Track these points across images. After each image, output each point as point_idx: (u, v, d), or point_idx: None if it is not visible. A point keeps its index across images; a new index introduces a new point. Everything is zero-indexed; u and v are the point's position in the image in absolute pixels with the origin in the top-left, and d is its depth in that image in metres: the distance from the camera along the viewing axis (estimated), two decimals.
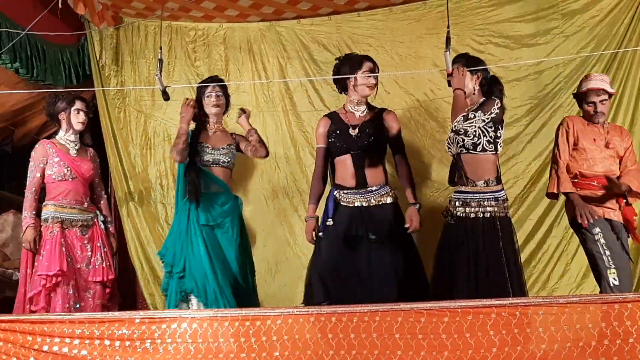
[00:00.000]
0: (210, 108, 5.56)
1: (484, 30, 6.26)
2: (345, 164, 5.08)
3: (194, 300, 5.22)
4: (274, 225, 6.47)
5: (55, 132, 5.79)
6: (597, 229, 4.80)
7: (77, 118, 5.54)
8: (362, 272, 4.86)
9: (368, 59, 5.18)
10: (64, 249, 5.32)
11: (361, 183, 5.03)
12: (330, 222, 4.96)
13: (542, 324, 3.88)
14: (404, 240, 4.98)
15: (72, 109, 5.54)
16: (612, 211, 4.92)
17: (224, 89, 5.66)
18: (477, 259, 4.69)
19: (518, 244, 5.03)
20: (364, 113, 5.17)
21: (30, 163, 5.50)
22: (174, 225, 5.50)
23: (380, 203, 5.01)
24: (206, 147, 5.48)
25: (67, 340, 4.18)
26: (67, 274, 5.29)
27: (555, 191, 5.03)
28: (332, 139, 5.13)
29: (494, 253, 4.66)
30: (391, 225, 4.97)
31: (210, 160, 5.47)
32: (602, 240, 4.78)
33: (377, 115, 5.16)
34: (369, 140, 5.03)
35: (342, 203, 5.03)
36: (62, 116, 5.57)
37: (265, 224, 6.47)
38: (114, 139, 6.72)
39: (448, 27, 4.74)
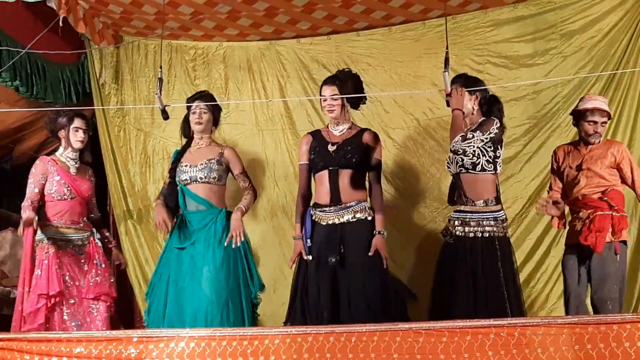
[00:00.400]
0: (193, 124, 5.51)
1: (482, 50, 6.28)
2: (322, 181, 5.08)
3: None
4: (273, 243, 6.45)
5: (56, 149, 5.79)
6: None
7: (76, 136, 5.55)
8: (332, 293, 4.86)
9: (326, 82, 5.21)
10: (59, 269, 5.31)
11: (335, 200, 5.02)
12: (308, 242, 4.98)
13: (540, 345, 3.86)
14: (376, 259, 4.94)
15: (71, 127, 5.55)
16: None
17: (213, 105, 5.58)
18: (475, 279, 4.69)
19: (517, 264, 5.03)
20: (344, 132, 5.17)
21: (30, 179, 5.49)
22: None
23: (355, 219, 4.99)
24: (184, 166, 5.43)
25: (65, 359, 4.18)
26: (64, 294, 5.28)
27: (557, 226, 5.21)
28: (312, 155, 5.15)
29: (492, 273, 4.66)
30: (365, 243, 4.93)
31: (187, 178, 5.40)
32: None
33: (358, 134, 5.15)
34: (346, 157, 5.02)
35: (318, 221, 5.03)
36: (62, 133, 5.59)
37: (263, 243, 6.46)
38: (113, 156, 6.73)
39: (447, 47, 4.76)
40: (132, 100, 6.75)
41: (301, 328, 4.16)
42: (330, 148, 5.09)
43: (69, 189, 5.46)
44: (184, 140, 5.64)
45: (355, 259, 4.89)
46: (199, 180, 5.38)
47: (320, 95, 5.19)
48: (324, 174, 5.06)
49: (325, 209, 5.02)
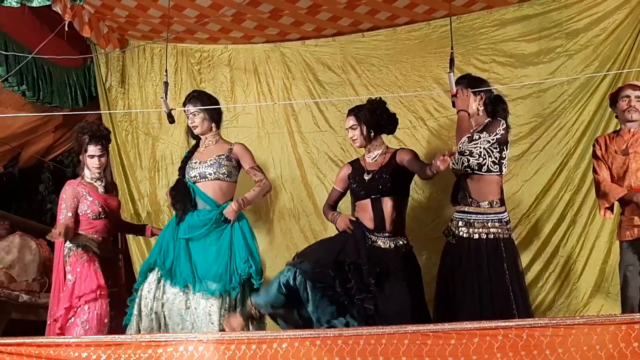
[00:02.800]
0: (192, 128, 5.48)
1: (487, 50, 6.27)
2: (365, 208, 5.10)
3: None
4: (280, 246, 6.46)
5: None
6: None
7: (92, 163, 5.47)
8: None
9: (349, 113, 5.28)
10: (98, 269, 5.32)
11: (379, 227, 5.04)
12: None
13: (548, 346, 3.85)
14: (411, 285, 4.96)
15: (86, 155, 5.48)
16: None
17: (203, 105, 5.45)
18: (481, 281, 4.66)
19: (522, 265, 5.01)
20: (377, 158, 5.19)
21: (62, 205, 5.40)
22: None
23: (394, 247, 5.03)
24: (194, 162, 5.39)
25: None
26: (104, 291, 5.28)
27: (607, 205, 4.99)
28: (353, 185, 5.20)
29: (498, 275, 4.63)
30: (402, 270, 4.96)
31: (197, 175, 5.34)
32: None
33: (392, 157, 5.15)
34: (385, 185, 5.04)
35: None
36: (82, 157, 5.55)
37: (271, 246, 6.47)
38: (120, 160, 6.76)
39: (452, 48, 4.75)
40: (140, 104, 6.78)
41: (309, 331, 4.16)
42: (366, 177, 5.12)
43: (102, 207, 5.45)
44: (192, 143, 5.63)
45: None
46: (208, 177, 5.32)
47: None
48: (367, 202, 5.10)
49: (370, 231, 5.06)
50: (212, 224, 5.22)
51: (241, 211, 5.32)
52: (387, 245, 5.01)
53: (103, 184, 5.57)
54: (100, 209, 5.43)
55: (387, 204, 5.04)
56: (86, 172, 5.53)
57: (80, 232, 5.38)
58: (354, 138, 5.21)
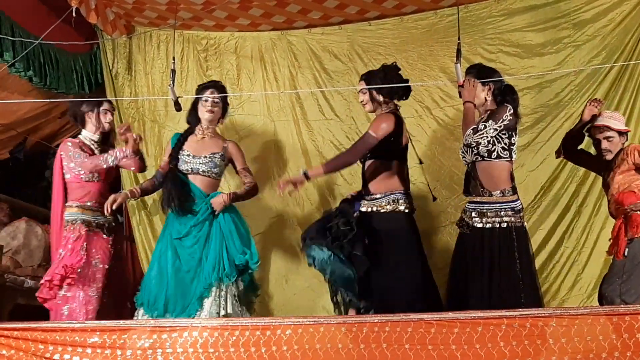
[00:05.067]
0: (203, 113, 5.41)
1: (494, 40, 6.25)
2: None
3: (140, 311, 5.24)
4: (284, 234, 6.47)
5: (73, 136, 5.80)
6: None
7: (105, 118, 5.56)
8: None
9: (361, 78, 5.33)
10: (84, 252, 5.31)
11: (366, 191, 5.12)
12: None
13: (552, 336, 3.87)
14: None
15: (101, 108, 5.56)
16: None
17: (224, 98, 5.55)
18: (492, 269, 4.67)
19: (533, 253, 5.01)
20: None
21: (75, 158, 5.43)
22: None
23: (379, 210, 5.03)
24: (186, 155, 5.38)
25: (79, 349, 4.21)
26: (85, 276, 5.29)
27: None
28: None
29: (509, 263, 4.64)
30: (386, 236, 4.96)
31: (189, 169, 5.36)
32: None
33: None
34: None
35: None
36: (89, 115, 5.57)
37: (275, 233, 6.47)
38: None
39: (459, 38, 4.75)
40: (146, 91, 6.76)
41: (313, 318, 4.18)
42: None
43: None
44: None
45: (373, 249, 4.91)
46: (200, 173, 5.36)
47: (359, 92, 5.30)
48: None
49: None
50: (202, 215, 5.25)
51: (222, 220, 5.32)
52: (370, 209, 5.03)
53: (99, 148, 5.61)
54: (95, 172, 5.45)
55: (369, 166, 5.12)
56: (84, 132, 5.60)
57: (73, 203, 5.42)
58: (363, 102, 5.24)
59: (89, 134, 5.58)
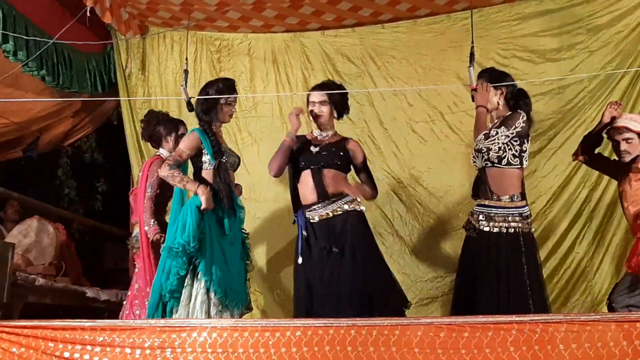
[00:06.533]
0: (226, 117, 5.13)
1: (508, 44, 6.25)
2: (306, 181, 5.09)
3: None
4: (291, 235, 6.45)
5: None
6: None
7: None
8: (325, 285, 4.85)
9: (315, 88, 5.27)
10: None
11: (322, 196, 5.02)
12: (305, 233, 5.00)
13: (563, 341, 3.84)
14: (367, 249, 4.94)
15: (179, 133, 5.57)
16: None
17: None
18: (499, 274, 4.66)
19: (540, 260, 5.00)
20: (329, 137, 5.21)
21: (151, 179, 5.42)
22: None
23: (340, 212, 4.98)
24: (223, 148, 5.10)
25: (89, 347, 4.21)
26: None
27: None
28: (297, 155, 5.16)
29: (516, 269, 4.62)
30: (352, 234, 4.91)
31: (230, 162, 5.08)
32: None
33: (342, 139, 5.21)
34: (331, 158, 5.07)
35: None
36: (167, 139, 5.60)
37: (283, 234, 6.45)
38: (138, 147, 6.77)
39: (472, 42, 4.74)
40: (159, 91, 6.78)
41: (322, 320, 4.16)
42: (313, 149, 5.10)
43: None
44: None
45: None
46: (235, 166, 5.16)
47: (308, 101, 5.19)
48: (308, 174, 5.07)
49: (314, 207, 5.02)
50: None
51: None
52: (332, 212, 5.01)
53: None
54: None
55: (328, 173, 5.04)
56: (164, 152, 5.57)
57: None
58: (321, 114, 5.14)
59: (166, 153, 5.57)
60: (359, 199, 5.02)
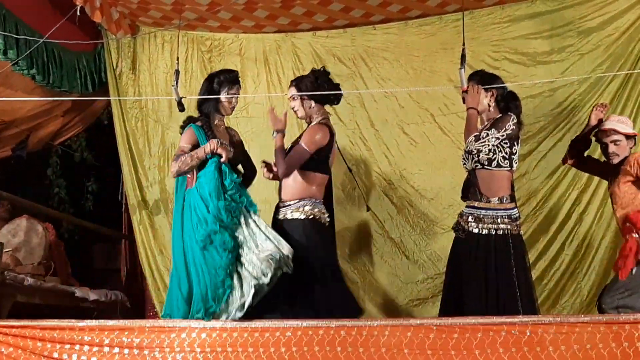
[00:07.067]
0: (228, 109, 5.08)
1: (499, 47, 6.26)
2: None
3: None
4: None
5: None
6: None
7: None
8: None
9: (291, 84, 5.19)
10: None
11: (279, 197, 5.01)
12: None
13: (552, 343, 3.86)
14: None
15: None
16: None
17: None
18: (487, 276, 4.67)
19: (529, 262, 5.01)
20: None
21: None
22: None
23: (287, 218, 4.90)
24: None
25: (77, 347, 4.22)
26: None
27: None
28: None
29: (504, 270, 4.63)
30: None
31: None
32: None
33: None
34: None
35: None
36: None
37: None
38: (128, 146, 6.76)
39: (463, 44, 4.75)
40: (150, 91, 6.77)
41: (312, 321, 4.17)
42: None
43: None
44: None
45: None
46: None
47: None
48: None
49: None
50: None
51: None
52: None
53: None
54: None
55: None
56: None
57: None
58: (295, 109, 5.10)
59: None
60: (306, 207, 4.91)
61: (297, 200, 4.90)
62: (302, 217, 4.85)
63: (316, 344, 4.00)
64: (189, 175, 4.85)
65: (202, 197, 4.67)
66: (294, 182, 4.94)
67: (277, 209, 4.98)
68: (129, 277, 7.87)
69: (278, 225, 4.86)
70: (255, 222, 4.69)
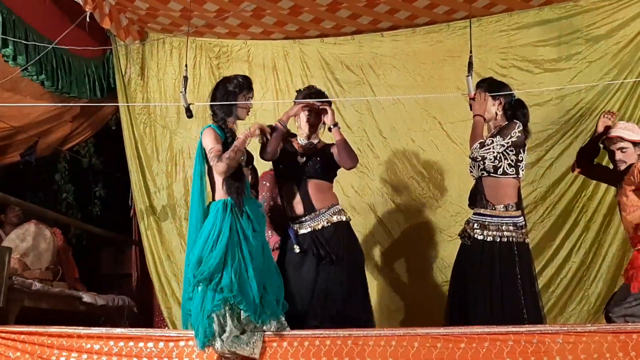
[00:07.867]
0: (243, 113, 4.92)
1: (507, 54, 6.26)
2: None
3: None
4: None
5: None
6: None
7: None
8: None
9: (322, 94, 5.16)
10: None
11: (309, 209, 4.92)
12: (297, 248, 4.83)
13: (559, 352, 3.86)
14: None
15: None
16: None
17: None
18: (492, 283, 4.66)
19: (535, 271, 5.00)
20: (314, 144, 5.11)
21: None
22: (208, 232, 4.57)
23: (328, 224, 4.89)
24: None
25: (85, 355, 4.23)
26: None
27: None
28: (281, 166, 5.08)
29: (509, 278, 4.62)
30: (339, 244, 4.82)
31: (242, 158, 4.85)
32: None
33: (325, 145, 5.09)
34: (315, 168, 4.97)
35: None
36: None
37: None
38: (136, 152, 6.78)
39: (471, 51, 4.74)
40: (158, 97, 6.79)
41: (319, 331, 4.17)
42: (300, 160, 5.01)
43: None
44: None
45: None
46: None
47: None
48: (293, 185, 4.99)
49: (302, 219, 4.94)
50: None
51: None
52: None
53: None
54: None
55: (312, 185, 4.94)
56: None
57: None
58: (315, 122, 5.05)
59: None
60: (343, 211, 4.96)
61: (333, 205, 4.93)
62: (344, 218, 4.92)
63: (323, 354, 4.00)
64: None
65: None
66: (325, 190, 4.97)
67: (307, 220, 4.90)
68: (139, 282, 7.89)
69: (325, 230, 4.84)
70: None
